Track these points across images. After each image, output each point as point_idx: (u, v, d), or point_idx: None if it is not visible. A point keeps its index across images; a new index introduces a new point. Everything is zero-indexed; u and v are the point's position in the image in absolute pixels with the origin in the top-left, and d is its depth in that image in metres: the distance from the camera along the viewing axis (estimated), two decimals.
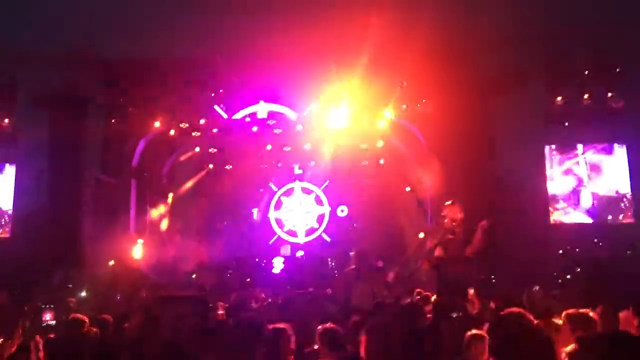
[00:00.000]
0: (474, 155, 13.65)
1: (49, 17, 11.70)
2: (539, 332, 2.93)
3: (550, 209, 14.88)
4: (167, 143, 15.94)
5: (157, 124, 14.86)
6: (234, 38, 12.79)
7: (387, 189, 17.54)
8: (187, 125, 15.35)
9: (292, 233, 18.09)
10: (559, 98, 14.20)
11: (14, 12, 11.70)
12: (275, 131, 15.87)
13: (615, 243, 13.71)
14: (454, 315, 5.74)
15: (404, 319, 5.85)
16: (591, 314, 4.55)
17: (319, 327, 5.06)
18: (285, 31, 12.11)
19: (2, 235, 14.98)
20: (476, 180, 13.45)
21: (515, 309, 3.75)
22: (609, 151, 14.92)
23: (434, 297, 7.53)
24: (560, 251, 13.52)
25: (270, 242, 17.88)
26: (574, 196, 14.92)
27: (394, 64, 13.13)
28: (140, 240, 14.89)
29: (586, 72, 13.87)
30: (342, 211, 18.03)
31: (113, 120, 14.70)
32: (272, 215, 18.20)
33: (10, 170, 15.24)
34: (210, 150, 17.03)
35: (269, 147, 16.87)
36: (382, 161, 17.13)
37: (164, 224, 16.39)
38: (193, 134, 15.75)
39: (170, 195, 16.80)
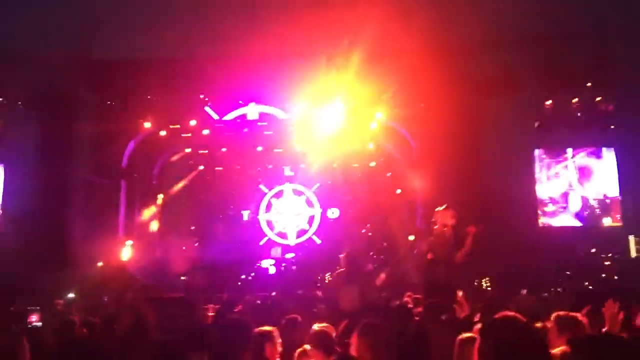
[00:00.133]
0: (463, 158, 13.67)
1: (37, 17, 11.61)
2: (535, 335, 2.93)
3: (539, 212, 14.96)
4: (157, 144, 15.85)
5: (147, 124, 14.80)
6: (225, 39, 12.74)
7: (378, 191, 17.58)
8: (177, 126, 15.29)
9: (283, 235, 18.08)
10: (549, 102, 14.27)
11: (1, 13, 11.61)
12: (266, 133, 15.85)
13: (603, 246, 13.82)
14: (443, 317, 5.74)
15: (394, 320, 5.85)
16: (579, 316, 4.56)
17: (312, 328, 5.06)
18: (276, 32, 12.09)
19: None
20: (466, 182, 13.49)
21: (509, 313, 3.75)
22: (598, 155, 15.02)
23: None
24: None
25: (261, 243, 17.85)
26: (562, 200, 15.01)
27: (385, 66, 13.15)
28: (129, 242, 14.82)
29: (576, 77, 13.94)
30: (333, 213, 18.04)
31: (103, 121, 14.60)
32: (263, 217, 18.17)
33: None
34: (200, 151, 16.99)
35: (259, 148, 16.85)
36: (373, 163, 17.17)
37: (154, 226, 16.32)
38: (183, 135, 15.70)
39: (160, 196, 16.73)
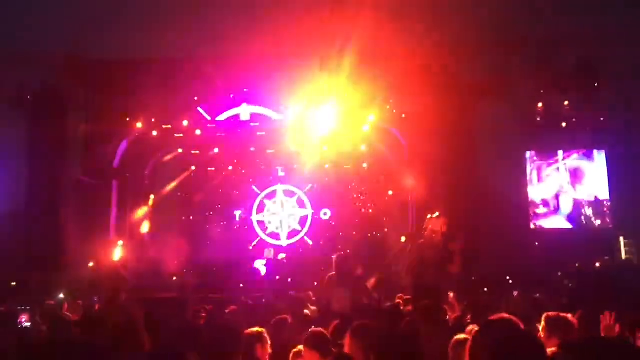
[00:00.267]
0: (455, 161, 13.72)
1: (28, 16, 11.56)
2: (533, 338, 2.93)
3: (531, 214, 15.02)
4: (149, 144, 15.78)
5: (139, 124, 14.75)
6: (218, 40, 12.74)
7: (370, 193, 17.62)
8: (169, 126, 15.25)
9: (275, 236, 18.06)
10: (540, 104, 14.33)
11: None
12: (259, 134, 15.84)
13: (594, 248, 13.89)
14: (435, 319, 5.75)
15: (385, 322, 5.86)
16: (570, 317, 4.58)
17: (308, 330, 5.06)
18: (270, 33, 12.09)
19: None
20: (457, 185, 13.53)
21: (504, 315, 3.76)
22: (589, 157, 15.10)
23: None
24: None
25: (253, 244, 17.83)
26: (554, 202, 15.07)
27: (377, 69, 13.17)
28: (120, 242, 14.76)
29: (567, 79, 14.01)
30: (325, 214, 18.05)
31: (94, 121, 14.55)
32: (255, 217, 18.15)
33: None
34: (192, 152, 16.95)
35: (252, 149, 16.84)
36: (365, 165, 17.20)
37: (145, 226, 16.27)
38: (175, 135, 15.65)
39: (152, 197, 16.67)
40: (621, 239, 14.08)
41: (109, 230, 14.81)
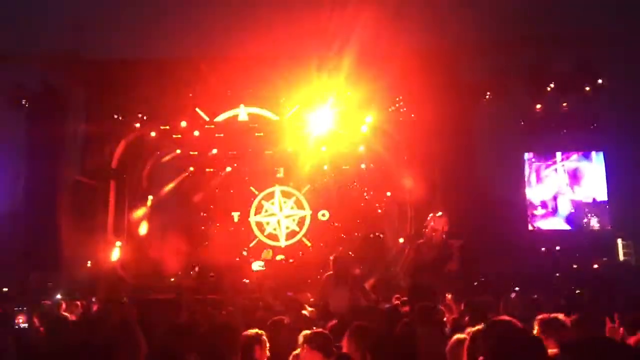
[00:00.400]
0: (453, 162, 13.72)
1: (27, 15, 11.55)
2: (534, 339, 2.93)
3: (529, 215, 15.03)
4: (148, 145, 15.78)
5: (137, 125, 14.74)
6: (216, 40, 12.73)
7: (368, 194, 17.62)
8: (167, 127, 15.24)
9: (273, 237, 18.05)
10: (538, 106, 14.33)
11: None
12: (257, 134, 15.82)
13: (592, 249, 13.90)
14: (431, 320, 5.74)
15: (383, 323, 5.85)
16: (562, 317, 4.56)
17: (309, 332, 5.04)
18: (268, 34, 12.09)
19: None
20: (456, 186, 13.53)
21: (505, 317, 3.76)
22: (587, 158, 15.11)
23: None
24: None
25: (251, 245, 17.82)
26: (552, 203, 15.08)
27: (376, 69, 13.16)
28: (118, 243, 14.74)
29: (564, 80, 14.01)
30: (324, 215, 18.04)
31: (93, 121, 14.52)
32: (253, 219, 18.14)
33: None
34: (191, 152, 16.95)
35: (250, 150, 16.83)
36: (363, 166, 17.20)
37: (144, 227, 16.25)
38: (174, 136, 15.64)
39: (150, 197, 16.66)
40: (619, 240, 14.09)
41: (107, 230, 14.77)
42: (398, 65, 12.94)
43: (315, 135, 15.01)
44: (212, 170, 17.73)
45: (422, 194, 13.63)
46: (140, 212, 16.15)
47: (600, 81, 13.70)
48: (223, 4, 11.50)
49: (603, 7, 11.67)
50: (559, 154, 15.18)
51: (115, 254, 14.53)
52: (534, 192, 15.17)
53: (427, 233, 10.73)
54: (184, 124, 14.96)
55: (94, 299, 11.37)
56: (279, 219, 18.14)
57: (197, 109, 14.96)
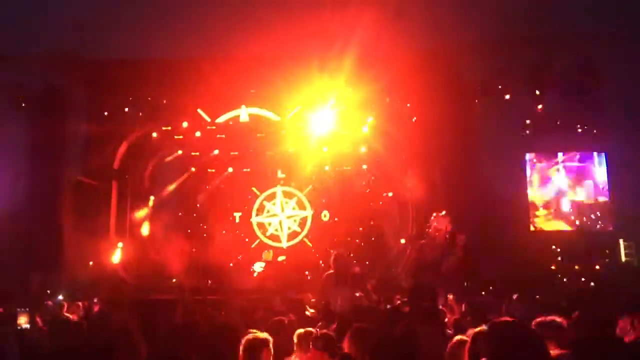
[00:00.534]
0: (454, 162, 13.71)
1: (28, 15, 11.57)
2: (538, 340, 2.92)
3: (531, 216, 15.00)
4: (150, 145, 15.78)
5: (139, 125, 14.74)
6: (218, 41, 12.74)
7: (370, 194, 17.60)
8: (169, 127, 15.25)
9: (275, 238, 18.04)
10: (540, 106, 14.31)
11: None
12: (259, 135, 15.82)
13: (594, 250, 13.88)
14: (432, 320, 5.74)
15: (384, 324, 5.84)
16: (558, 319, 4.56)
17: (304, 332, 5.04)
18: (270, 35, 12.09)
19: None
20: (457, 187, 13.51)
21: (507, 318, 3.75)
22: (589, 159, 15.08)
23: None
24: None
25: (252, 246, 17.81)
26: (554, 204, 15.05)
27: (377, 69, 13.16)
28: (120, 244, 14.74)
29: (566, 80, 13.99)
30: (325, 216, 18.03)
31: (94, 122, 14.53)
32: (254, 219, 18.13)
33: None
34: (192, 153, 16.95)
35: (251, 150, 16.83)
36: (365, 166, 17.20)
37: (145, 227, 16.25)
38: (175, 137, 15.65)
39: (152, 198, 16.66)
40: (621, 241, 14.06)
41: (109, 231, 14.78)
42: (399, 66, 12.94)
43: (317, 135, 15.01)
44: (213, 171, 17.73)
45: (424, 194, 13.61)
46: (142, 212, 16.15)
47: (602, 80, 13.67)
48: (224, 4, 11.51)
49: (604, 7, 11.65)
50: (560, 154, 15.16)
51: (117, 255, 14.53)
52: (536, 193, 15.15)
53: (430, 233, 10.70)
54: (185, 124, 14.97)
55: (95, 300, 11.41)
56: (281, 219, 18.13)
57: (198, 110, 14.97)
